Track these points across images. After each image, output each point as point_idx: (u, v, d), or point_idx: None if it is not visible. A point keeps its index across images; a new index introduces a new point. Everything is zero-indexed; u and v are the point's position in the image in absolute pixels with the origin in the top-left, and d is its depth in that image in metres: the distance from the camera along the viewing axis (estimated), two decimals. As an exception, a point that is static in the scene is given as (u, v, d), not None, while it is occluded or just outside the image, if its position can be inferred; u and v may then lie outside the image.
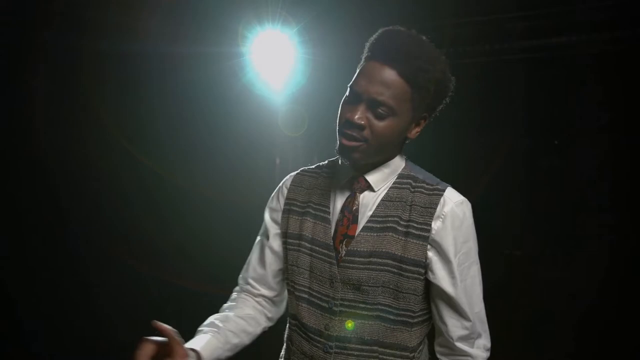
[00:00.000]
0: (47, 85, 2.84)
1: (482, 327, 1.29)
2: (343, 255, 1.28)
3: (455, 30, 3.35)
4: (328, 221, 1.33)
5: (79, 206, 2.98)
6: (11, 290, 2.59)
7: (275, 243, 1.43)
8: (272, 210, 1.46)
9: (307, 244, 1.34)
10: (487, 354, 1.29)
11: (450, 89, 1.29)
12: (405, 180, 1.30)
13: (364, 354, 1.28)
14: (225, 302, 1.48)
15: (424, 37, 1.25)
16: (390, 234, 1.25)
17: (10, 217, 2.70)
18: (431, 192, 1.26)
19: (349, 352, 1.28)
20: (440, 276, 1.23)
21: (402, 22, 1.29)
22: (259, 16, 3.15)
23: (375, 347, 1.27)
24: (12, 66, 2.68)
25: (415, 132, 1.29)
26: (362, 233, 1.27)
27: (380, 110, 1.20)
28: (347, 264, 1.27)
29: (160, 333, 1.08)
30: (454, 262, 1.22)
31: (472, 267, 1.25)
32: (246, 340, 1.40)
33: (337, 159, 1.40)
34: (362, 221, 1.28)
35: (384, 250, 1.24)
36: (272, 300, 1.48)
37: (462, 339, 1.26)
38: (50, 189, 2.84)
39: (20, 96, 2.74)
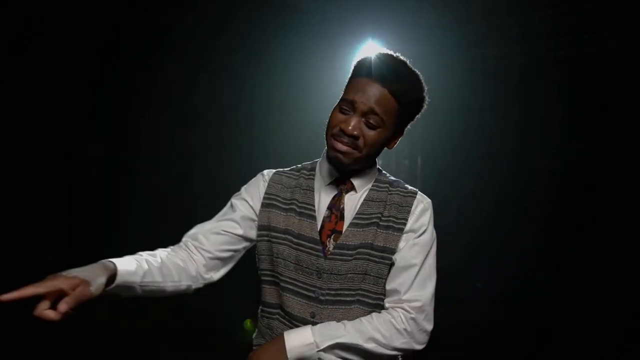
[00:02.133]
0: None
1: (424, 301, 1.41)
2: (331, 248, 1.43)
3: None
4: (314, 218, 1.47)
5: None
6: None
7: (242, 221, 1.52)
8: (251, 194, 1.54)
9: (293, 239, 1.46)
10: (412, 315, 1.38)
11: (424, 107, 1.47)
12: (382, 185, 1.50)
13: None
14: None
15: (408, 61, 1.44)
16: (374, 228, 1.43)
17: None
18: (406, 195, 1.48)
19: None
20: (407, 254, 1.41)
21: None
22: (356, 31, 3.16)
23: None
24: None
25: (394, 143, 1.49)
26: (349, 228, 1.43)
27: (372, 122, 1.36)
28: (335, 257, 1.42)
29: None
30: (414, 242, 1.42)
31: (427, 248, 1.44)
32: (169, 284, 1.41)
33: (313, 163, 1.57)
34: (349, 218, 1.45)
35: (368, 242, 1.42)
36: (208, 260, 1.50)
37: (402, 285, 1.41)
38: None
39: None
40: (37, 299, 1.06)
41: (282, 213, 1.49)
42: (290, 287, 1.45)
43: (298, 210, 1.48)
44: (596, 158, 3.55)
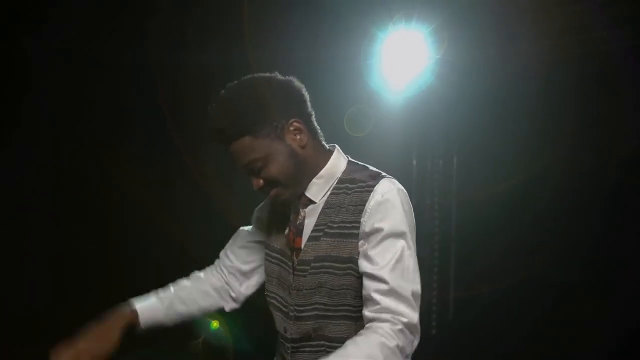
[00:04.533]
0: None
1: (401, 298, 1.26)
2: (296, 265, 1.40)
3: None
4: (282, 232, 1.48)
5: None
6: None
7: (257, 242, 1.63)
8: (257, 218, 1.64)
9: (276, 255, 1.49)
10: (397, 320, 1.23)
11: (287, 91, 1.36)
12: (342, 185, 1.37)
13: (314, 349, 1.40)
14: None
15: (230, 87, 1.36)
16: (325, 239, 1.34)
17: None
18: (363, 190, 1.32)
19: (303, 349, 1.42)
20: (374, 259, 1.26)
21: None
22: (391, 14, 3.13)
23: (322, 342, 1.38)
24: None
25: (298, 141, 1.34)
26: (307, 243, 1.38)
27: (256, 167, 1.32)
28: (298, 273, 1.39)
29: None
30: (376, 242, 1.27)
31: (394, 245, 1.26)
32: (195, 310, 1.58)
33: None
34: (307, 232, 1.39)
35: (321, 254, 1.34)
36: (241, 275, 1.64)
37: (377, 292, 1.25)
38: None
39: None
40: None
41: (268, 232, 1.55)
42: (274, 302, 1.49)
43: (277, 227, 1.52)
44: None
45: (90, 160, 2.98)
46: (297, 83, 1.40)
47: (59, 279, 2.86)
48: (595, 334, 3.34)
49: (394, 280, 1.23)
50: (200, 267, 1.70)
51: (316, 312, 1.36)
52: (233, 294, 1.65)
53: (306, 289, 1.37)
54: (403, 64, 3.43)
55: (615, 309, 3.32)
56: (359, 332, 1.23)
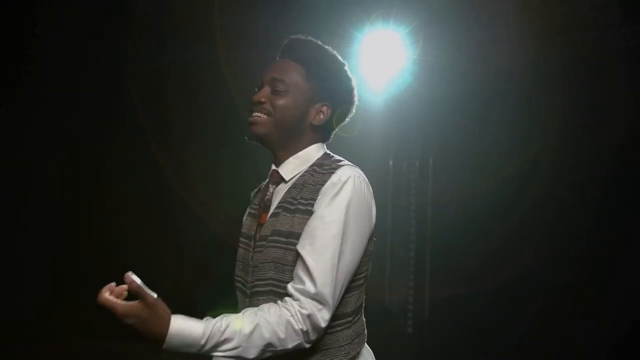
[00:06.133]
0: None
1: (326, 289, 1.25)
2: (256, 242, 1.40)
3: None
4: (255, 216, 1.48)
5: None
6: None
7: None
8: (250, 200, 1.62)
9: (242, 239, 1.49)
10: (309, 304, 1.23)
11: (351, 87, 1.45)
12: (311, 168, 1.39)
13: None
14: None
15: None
16: (282, 213, 1.35)
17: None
18: (327, 172, 1.34)
19: None
20: (306, 236, 1.27)
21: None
22: (369, 14, 3.13)
23: None
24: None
25: (317, 118, 1.40)
26: (269, 219, 1.39)
27: (278, 88, 1.37)
28: (257, 249, 1.39)
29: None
30: (314, 224, 1.27)
31: (328, 230, 1.26)
32: None
33: None
34: (272, 210, 1.40)
35: (276, 229, 1.35)
36: None
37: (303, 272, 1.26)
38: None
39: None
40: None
41: (244, 218, 1.55)
42: (239, 284, 1.48)
43: (251, 212, 1.53)
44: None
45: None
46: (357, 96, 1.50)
47: (59, 279, 2.84)
48: (568, 332, 3.41)
49: (313, 264, 1.24)
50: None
51: (270, 288, 1.34)
52: None
53: (261, 263, 1.36)
54: (381, 65, 3.43)
55: (595, 309, 3.38)
56: (277, 302, 1.26)
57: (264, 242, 1.37)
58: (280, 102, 1.38)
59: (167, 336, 1.14)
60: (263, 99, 1.38)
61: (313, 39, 1.46)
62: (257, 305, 1.29)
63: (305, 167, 1.41)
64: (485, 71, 3.64)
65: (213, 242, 3.38)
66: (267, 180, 1.50)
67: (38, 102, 2.94)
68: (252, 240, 1.43)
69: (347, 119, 1.51)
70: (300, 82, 1.39)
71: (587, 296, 3.41)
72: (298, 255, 1.28)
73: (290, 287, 1.26)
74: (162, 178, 3.51)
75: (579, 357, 3.40)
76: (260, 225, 1.42)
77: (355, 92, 1.48)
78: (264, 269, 1.35)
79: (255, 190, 1.63)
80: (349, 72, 1.47)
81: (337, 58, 1.46)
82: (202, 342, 1.16)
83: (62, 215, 3.04)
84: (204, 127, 3.62)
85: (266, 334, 1.20)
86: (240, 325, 1.20)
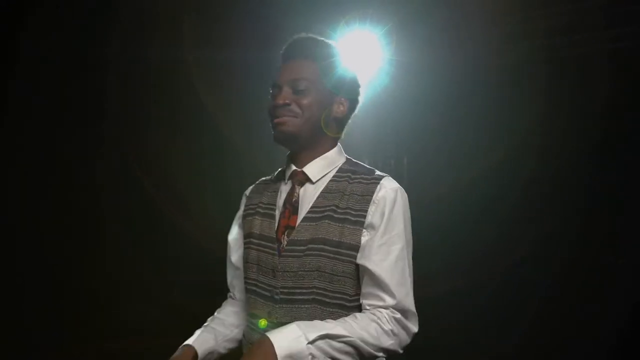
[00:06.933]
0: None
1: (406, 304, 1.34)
2: (285, 245, 1.38)
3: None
4: (273, 217, 1.45)
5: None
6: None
7: (236, 253, 1.60)
8: (237, 218, 1.61)
9: (255, 240, 1.46)
10: (391, 317, 1.31)
11: (356, 77, 1.50)
12: (344, 174, 1.42)
13: None
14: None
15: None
16: (327, 221, 1.34)
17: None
18: (369, 182, 1.38)
19: None
20: (367, 254, 1.32)
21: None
22: (344, 15, 3.14)
23: None
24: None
25: (339, 110, 1.45)
26: (302, 223, 1.37)
27: (300, 87, 1.38)
28: (288, 253, 1.36)
29: None
30: (380, 240, 1.32)
31: (396, 244, 1.34)
32: (237, 332, 1.58)
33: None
34: (303, 212, 1.38)
35: (320, 237, 1.34)
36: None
37: (379, 288, 1.33)
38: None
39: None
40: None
41: (250, 219, 1.52)
42: (254, 288, 1.45)
43: (262, 211, 1.50)
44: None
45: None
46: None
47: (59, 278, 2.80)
48: (542, 333, 3.46)
49: (392, 280, 1.32)
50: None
51: (314, 297, 1.34)
52: None
53: (301, 270, 1.34)
54: (357, 66, 3.43)
55: (577, 309, 3.45)
56: (355, 314, 1.31)
57: (302, 248, 1.35)
58: (305, 101, 1.38)
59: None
60: (287, 101, 1.38)
61: (315, 36, 1.48)
62: (294, 313, 1.34)
63: (331, 169, 1.44)
64: (458, 72, 3.68)
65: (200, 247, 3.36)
66: (278, 179, 1.52)
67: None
68: (276, 243, 1.40)
69: (357, 109, 1.56)
70: (318, 79, 1.42)
71: (573, 303, 3.47)
72: (364, 270, 1.32)
73: (366, 304, 1.32)
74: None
75: (579, 357, 3.43)
76: (289, 227, 1.39)
77: (360, 81, 1.53)
78: (307, 277, 1.34)
79: (251, 188, 1.61)
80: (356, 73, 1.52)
81: (340, 51, 1.49)
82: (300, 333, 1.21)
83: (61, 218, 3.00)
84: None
85: (357, 328, 1.24)
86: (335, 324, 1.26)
